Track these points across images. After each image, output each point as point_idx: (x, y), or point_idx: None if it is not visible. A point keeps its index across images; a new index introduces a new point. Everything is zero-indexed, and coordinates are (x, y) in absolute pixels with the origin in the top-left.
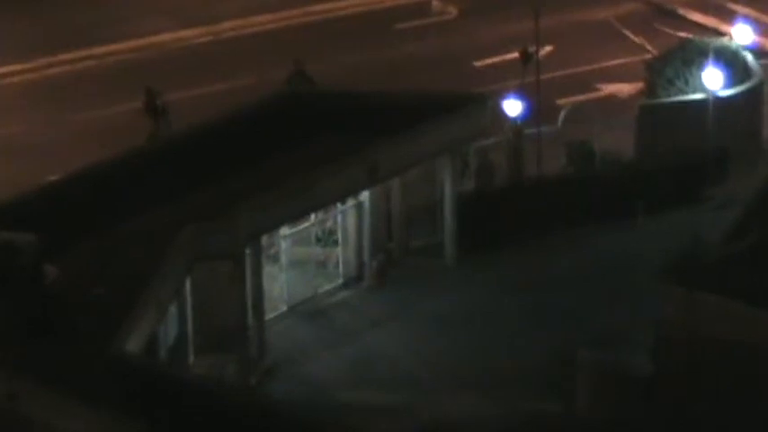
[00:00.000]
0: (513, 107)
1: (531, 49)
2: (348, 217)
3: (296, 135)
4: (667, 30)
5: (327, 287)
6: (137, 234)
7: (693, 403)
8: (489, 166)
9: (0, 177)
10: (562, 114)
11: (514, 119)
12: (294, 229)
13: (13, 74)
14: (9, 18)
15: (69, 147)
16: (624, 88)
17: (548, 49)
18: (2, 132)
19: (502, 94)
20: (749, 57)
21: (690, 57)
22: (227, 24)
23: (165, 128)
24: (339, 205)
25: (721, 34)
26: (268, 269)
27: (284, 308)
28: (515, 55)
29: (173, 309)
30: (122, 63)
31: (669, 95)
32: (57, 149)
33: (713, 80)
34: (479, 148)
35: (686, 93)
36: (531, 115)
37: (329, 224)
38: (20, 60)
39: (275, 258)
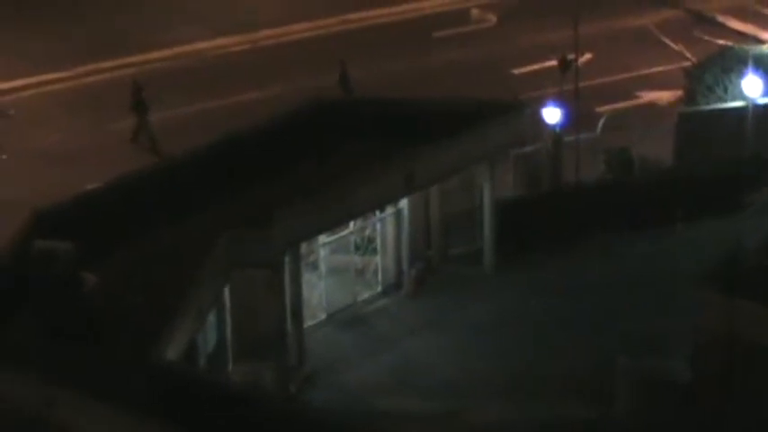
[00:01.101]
0: (552, 114)
1: (570, 56)
2: (387, 225)
3: (334, 143)
4: (707, 37)
5: (366, 295)
6: (175, 242)
7: (732, 409)
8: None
9: (39, 185)
10: (601, 122)
11: (553, 126)
12: (333, 237)
13: (51, 82)
14: (47, 27)
15: (107, 155)
16: (663, 96)
17: (587, 56)
18: (40, 141)
19: (541, 102)
20: None
21: (729, 64)
22: (264, 32)
23: (148, 123)
24: (378, 213)
25: (761, 42)
26: (307, 277)
27: (323, 315)
28: (554, 62)
29: (212, 317)
30: (160, 71)
31: (708, 103)
32: (95, 158)
33: (752, 88)
34: (518, 156)
35: (725, 100)
36: (570, 123)
37: (368, 232)
38: (58, 69)
39: (314, 266)
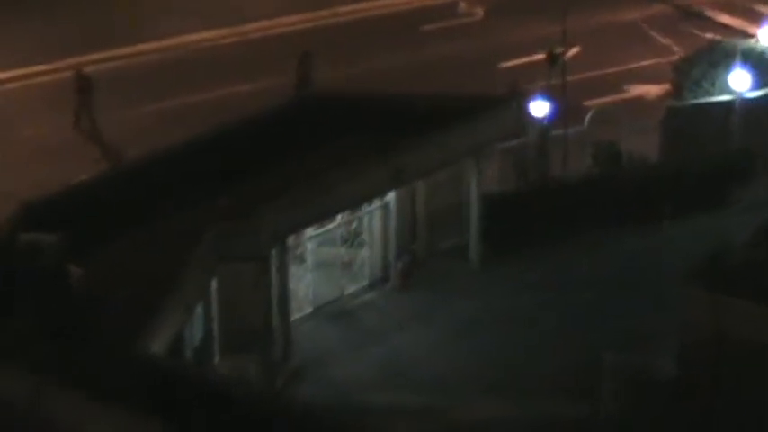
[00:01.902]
0: (539, 108)
1: (558, 50)
2: (374, 218)
3: (321, 136)
4: (694, 32)
5: (353, 288)
6: (162, 235)
7: (718, 406)
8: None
9: (27, 178)
10: (588, 116)
11: (541, 120)
12: (320, 231)
13: (40, 74)
14: (35, 18)
15: (94, 148)
16: (651, 90)
17: (574, 50)
18: (29, 133)
19: (528, 96)
20: None
21: (717, 59)
22: (253, 25)
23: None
24: (365, 207)
25: (748, 36)
26: (294, 270)
27: (310, 309)
28: (542, 56)
29: (198, 309)
30: (149, 64)
31: (696, 97)
32: (84, 150)
33: (740, 82)
34: (505, 150)
35: (713, 95)
36: (557, 117)
37: (355, 225)
38: (47, 61)
39: (301, 259)
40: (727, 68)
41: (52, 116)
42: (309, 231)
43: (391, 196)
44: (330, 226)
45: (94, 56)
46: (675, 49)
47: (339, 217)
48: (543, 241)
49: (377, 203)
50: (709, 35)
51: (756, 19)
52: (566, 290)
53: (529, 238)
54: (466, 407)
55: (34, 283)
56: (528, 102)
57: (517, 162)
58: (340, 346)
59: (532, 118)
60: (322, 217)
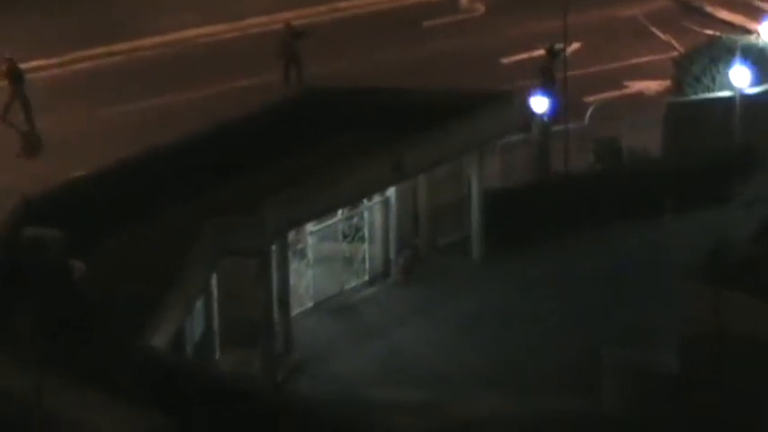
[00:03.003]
0: (540, 104)
1: (559, 46)
2: (375, 213)
3: (322, 131)
4: (695, 27)
5: (354, 283)
6: (163, 230)
7: (720, 401)
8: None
9: (28, 172)
10: (589, 111)
11: (541, 116)
12: (321, 225)
13: (41, 68)
14: (37, 13)
15: (97, 142)
16: (651, 86)
17: (575, 46)
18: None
19: (529, 91)
20: None
21: (717, 54)
22: (253, 20)
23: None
24: (366, 201)
25: (749, 32)
26: (294, 265)
27: (310, 304)
28: (543, 52)
29: (199, 304)
30: (150, 58)
31: (696, 93)
32: (85, 145)
33: (740, 78)
34: (506, 145)
35: (713, 90)
36: (558, 112)
37: (356, 220)
38: (48, 55)
39: (302, 254)
40: (728, 64)
41: (52, 111)
42: (310, 226)
43: (392, 191)
44: (331, 221)
45: (96, 50)
46: (676, 44)
47: (340, 212)
48: (544, 237)
49: (378, 198)
50: (709, 31)
51: (757, 15)
52: (567, 285)
53: (530, 234)
54: (467, 402)
55: (37, 277)
56: (527, 97)
57: (517, 158)
58: (341, 341)
59: (533, 113)
60: (323, 212)
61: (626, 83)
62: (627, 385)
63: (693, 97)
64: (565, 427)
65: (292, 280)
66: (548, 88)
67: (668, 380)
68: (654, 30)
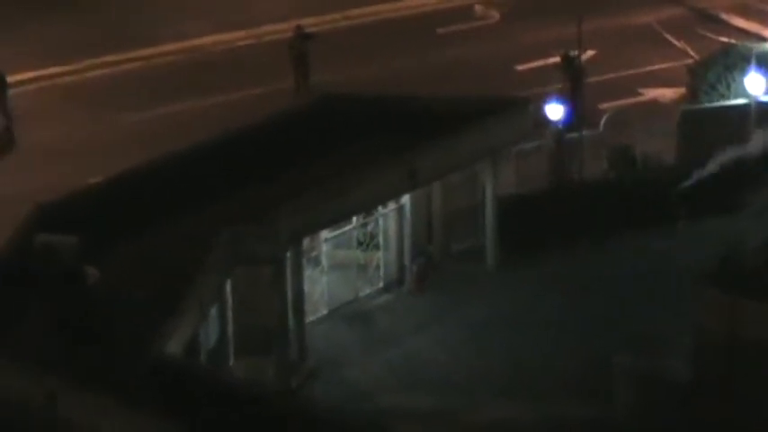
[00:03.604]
0: (554, 111)
1: (573, 53)
2: (389, 220)
3: (337, 138)
4: (710, 35)
5: (368, 291)
6: (178, 237)
7: (731, 409)
8: None
9: (41, 180)
10: (604, 119)
11: (556, 123)
12: (335, 233)
13: (54, 76)
14: (50, 20)
15: (111, 150)
16: (666, 93)
17: (590, 53)
18: (43, 135)
19: (544, 99)
20: None
21: (732, 62)
22: (268, 28)
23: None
24: (380, 209)
25: (764, 39)
26: (309, 272)
27: (325, 311)
28: (558, 59)
29: (213, 311)
30: (164, 66)
31: (711, 101)
32: (98, 152)
33: (755, 85)
34: (521, 152)
35: (728, 98)
36: (573, 119)
37: (370, 227)
38: (61, 63)
39: (316, 261)
40: (743, 72)
41: (67, 118)
42: (325, 233)
43: (406, 198)
44: (345, 228)
45: (109, 58)
46: (690, 52)
47: (354, 219)
48: (558, 244)
49: (392, 206)
50: (724, 38)
51: None
52: (581, 292)
53: (544, 241)
54: (479, 409)
55: (51, 284)
56: (542, 104)
57: (532, 165)
58: (355, 348)
59: (548, 121)
60: (337, 219)
61: (641, 90)
62: (638, 392)
63: (708, 105)
64: None
65: (307, 287)
66: (577, 95)
67: (679, 387)
68: (668, 37)
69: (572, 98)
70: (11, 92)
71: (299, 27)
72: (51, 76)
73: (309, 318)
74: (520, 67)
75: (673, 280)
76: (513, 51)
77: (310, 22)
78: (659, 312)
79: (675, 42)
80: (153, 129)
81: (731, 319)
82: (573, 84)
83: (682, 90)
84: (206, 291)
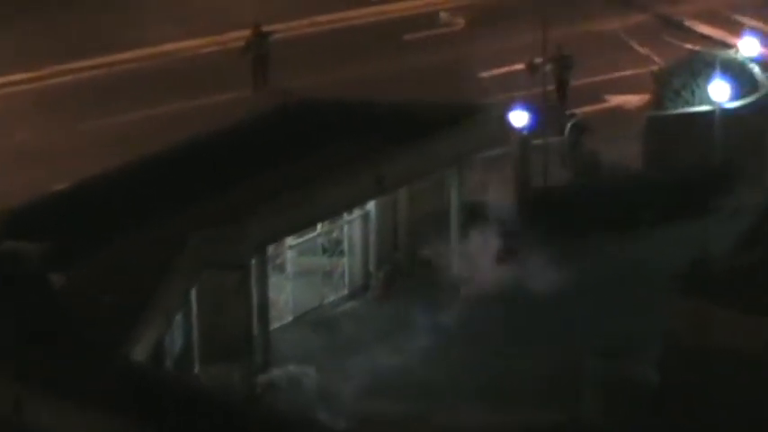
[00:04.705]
0: (519, 118)
1: (538, 60)
2: (354, 227)
3: (303, 144)
4: (675, 42)
5: (333, 297)
6: (143, 243)
7: (701, 414)
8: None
9: (8, 184)
10: (569, 125)
11: (521, 130)
12: (300, 239)
13: (21, 82)
14: (18, 26)
15: (77, 155)
16: (631, 100)
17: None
18: (10, 140)
19: (509, 105)
20: (756, 69)
21: (697, 69)
22: (235, 34)
23: None
24: (345, 215)
25: (728, 46)
26: (274, 279)
27: (290, 318)
28: (522, 66)
29: (179, 318)
30: (131, 72)
31: (676, 107)
32: (64, 158)
33: (720, 92)
34: (486, 159)
35: (693, 104)
36: (537, 126)
37: (335, 234)
38: (28, 69)
39: (281, 268)
40: (708, 78)
41: (33, 124)
42: (290, 240)
43: (372, 205)
44: (310, 235)
45: (77, 64)
46: (656, 59)
47: (319, 226)
48: (525, 249)
49: (358, 212)
50: (689, 45)
51: (736, 29)
52: (548, 298)
53: (510, 247)
54: (448, 414)
55: (16, 290)
56: (507, 111)
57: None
58: (320, 355)
59: (512, 127)
60: (303, 225)
61: (606, 97)
62: (607, 397)
63: (673, 111)
64: None
65: (272, 294)
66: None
67: (649, 391)
68: (633, 44)
69: (561, 98)
70: None
71: (256, 27)
72: (19, 82)
73: (274, 324)
74: (485, 74)
75: (642, 285)
76: (479, 58)
77: (276, 29)
78: (629, 317)
79: (640, 49)
80: (120, 134)
81: (700, 325)
82: (558, 87)
83: (647, 97)
84: (171, 297)
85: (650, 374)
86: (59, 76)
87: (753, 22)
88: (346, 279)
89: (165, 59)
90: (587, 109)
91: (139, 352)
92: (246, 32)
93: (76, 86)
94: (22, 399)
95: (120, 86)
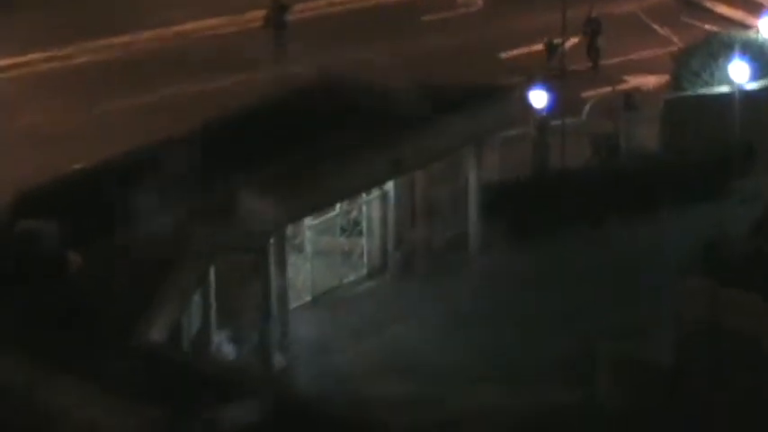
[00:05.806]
0: (538, 99)
1: (557, 40)
2: (372, 207)
3: (320, 125)
4: (694, 22)
5: (352, 277)
6: (161, 223)
7: (714, 397)
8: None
9: (22, 166)
10: (587, 106)
11: (540, 111)
12: (319, 220)
13: (35, 63)
14: (31, 7)
15: (92, 136)
16: (650, 81)
17: (573, 41)
18: (24, 121)
19: (527, 86)
20: None
21: (716, 50)
22: (251, 14)
23: None
24: (364, 195)
25: (748, 27)
26: (292, 259)
27: (308, 298)
28: (541, 47)
29: (196, 298)
30: (146, 53)
31: (695, 88)
32: (79, 139)
33: (739, 73)
34: (505, 140)
35: (712, 86)
36: (556, 107)
37: (354, 214)
38: (42, 49)
39: (300, 249)
40: (726, 60)
41: (49, 105)
42: (308, 221)
43: (390, 185)
44: (329, 215)
45: (91, 44)
46: (674, 39)
47: (338, 206)
48: (542, 231)
49: (376, 192)
50: (708, 26)
51: (756, 10)
52: (564, 280)
53: (527, 229)
54: (463, 396)
55: (32, 270)
56: (526, 92)
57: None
58: (338, 336)
59: (531, 108)
60: (321, 206)
61: (624, 78)
62: (621, 379)
63: (692, 93)
64: (560, 420)
65: (290, 274)
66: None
67: (663, 374)
68: (652, 25)
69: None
70: None
71: (276, 1)
72: (33, 63)
73: (293, 305)
74: (503, 55)
75: (658, 268)
76: (497, 38)
77: (294, 10)
78: (644, 300)
79: (659, 30)
80: (135, 115)
81: (714, 308)
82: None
83: (666, 78)
84: (188, 278)
85: (664, 357)
86: (73, 57)
87: None
88: (365, 259)
89: (184, 40)
90: (606, 90)
91: (156, 333)
92: (263, 12)
93: (92, 68)
94: (37, 380)
95: (135, 67)
